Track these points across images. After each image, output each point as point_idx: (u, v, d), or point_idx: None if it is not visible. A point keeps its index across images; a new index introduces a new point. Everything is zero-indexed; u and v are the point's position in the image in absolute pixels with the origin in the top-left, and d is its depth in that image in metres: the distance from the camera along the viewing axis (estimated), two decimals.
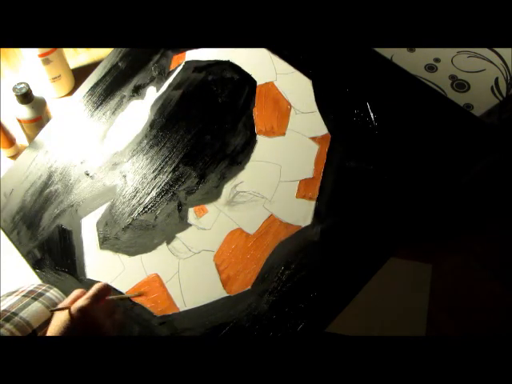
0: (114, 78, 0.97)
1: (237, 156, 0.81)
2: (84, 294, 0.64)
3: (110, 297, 0.67)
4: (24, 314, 0.63)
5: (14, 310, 0.63)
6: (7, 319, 0.62)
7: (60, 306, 0.63)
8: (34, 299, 0.66)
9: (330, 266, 0.69)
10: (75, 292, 0.65)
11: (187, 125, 0.86)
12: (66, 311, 0.60)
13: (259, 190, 0.77)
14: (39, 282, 0.85)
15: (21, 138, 1.10)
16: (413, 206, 0.67)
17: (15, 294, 0.67)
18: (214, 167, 0.81)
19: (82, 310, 0.60)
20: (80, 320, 0.60)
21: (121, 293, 0.80)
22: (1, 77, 1.24)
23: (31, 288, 0.68)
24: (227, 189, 0.79)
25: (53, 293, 0.68)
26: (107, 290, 0.64)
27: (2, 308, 0.64)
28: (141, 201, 0.85)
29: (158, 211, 0.83)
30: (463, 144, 0.67)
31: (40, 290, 0.68)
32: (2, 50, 1.27)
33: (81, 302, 0.61)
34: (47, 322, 0.64)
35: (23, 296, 0.66)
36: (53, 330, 0.60)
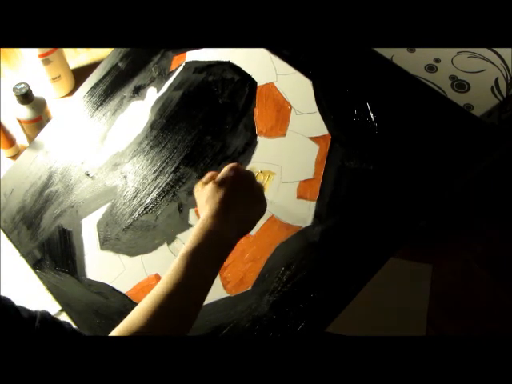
0: (114, 78, 0.97)
1: (237, 157, 0.81)
2: (217, 172, 0.64)
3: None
4: None
5: None
6: None
7: (201, 181, 0.64)
8: None
9: (330, 267, 0.69)
10: (209, 173, 0.65)
11: (188, 126, 0.86)
12: (211, 183, 0.61)
13: None
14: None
15: (21, 138, 1.10)
16: (413, 206, 0.67)
17: None
18: (215, 168, 0.81)
19: (234, 168, 0.61)
20: (233, 179, 0.60)
21: (122, 293, 0.80)
22: (1, 77, 1.24)
23: None
24: None
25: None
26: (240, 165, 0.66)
27: None
28: (141, 201, 0.85)
29: (159, 212, 0.83)
30: (463, 144, 0.67)
31: None
32: (2, 50, 1.27)
33: (229, 165, 0.62)
34: None
35: None
36: (207, 201, 0.61)
